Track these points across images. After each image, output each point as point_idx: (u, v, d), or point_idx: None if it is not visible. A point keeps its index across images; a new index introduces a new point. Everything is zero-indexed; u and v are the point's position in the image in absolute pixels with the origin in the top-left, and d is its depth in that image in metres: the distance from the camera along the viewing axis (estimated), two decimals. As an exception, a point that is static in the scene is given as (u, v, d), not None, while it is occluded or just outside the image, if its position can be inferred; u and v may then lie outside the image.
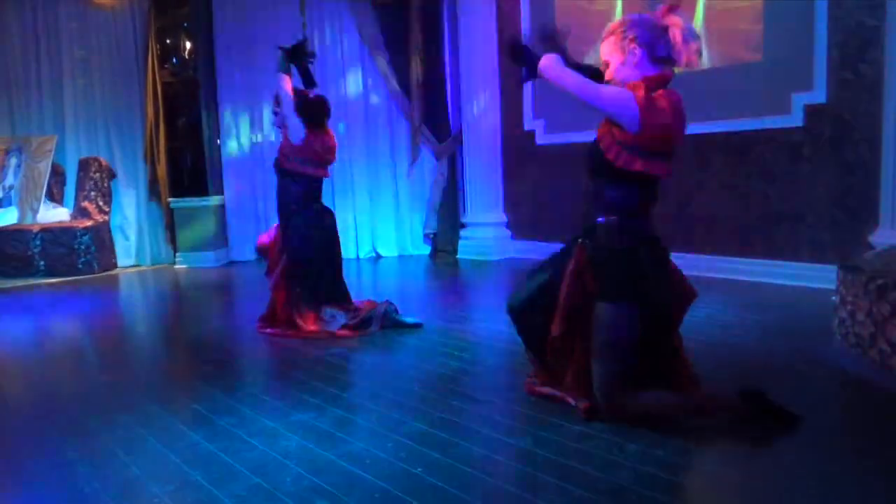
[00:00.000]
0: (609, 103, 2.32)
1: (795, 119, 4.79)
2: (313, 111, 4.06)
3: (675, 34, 2.31)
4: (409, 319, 4.09)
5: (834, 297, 3.31)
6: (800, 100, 4.76)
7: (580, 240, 2.52)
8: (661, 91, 2.33)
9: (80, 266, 6.92)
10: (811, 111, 4.72)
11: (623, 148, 2.33)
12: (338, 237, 4.26)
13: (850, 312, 3.10)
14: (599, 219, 2.45)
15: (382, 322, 4.04)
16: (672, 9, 2.35)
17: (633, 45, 2.37)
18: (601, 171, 2.42)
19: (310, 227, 4.09)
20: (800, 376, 2.99)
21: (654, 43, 2.36)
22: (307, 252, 4.06)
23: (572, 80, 2.37)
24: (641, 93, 2.30)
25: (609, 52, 2.44)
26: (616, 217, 2.43)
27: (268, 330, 4.13)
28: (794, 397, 2.55)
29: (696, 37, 2.33)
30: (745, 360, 3.15)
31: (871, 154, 4.45)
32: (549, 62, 2.42)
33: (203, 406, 2.91)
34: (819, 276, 4.45)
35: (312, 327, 4.01)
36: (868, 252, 4.17)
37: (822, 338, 3.36)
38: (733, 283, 4.97)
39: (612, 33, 2.44)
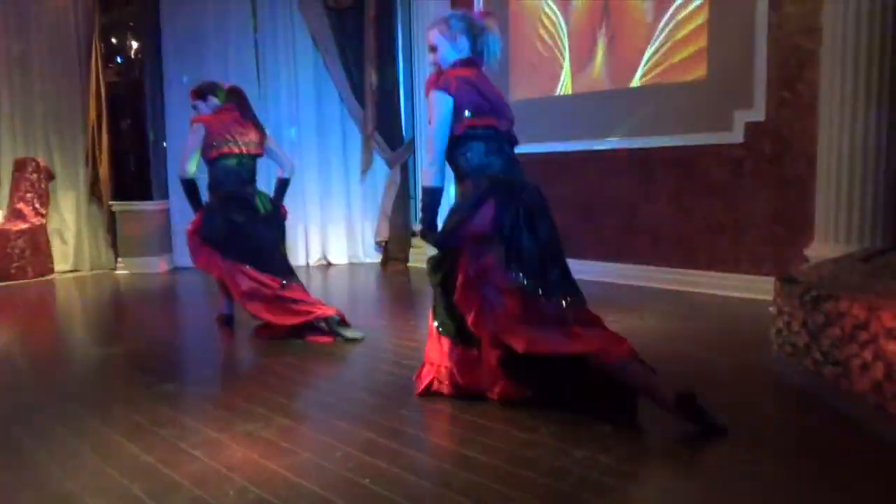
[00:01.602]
0: (437, 119, 2.75)
1: (737, 136, 4.96)
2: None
3: (488, 38, 2.84)
4: (350, 334, 4.02)
5: (771, 308, 3.42)
6: (741, 117, 4.93)
7: None
8: (462, 71, 2.78)
9: (13, 271, 6.62)
10: (752, 128, 4.90)
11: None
12: (257, 220, 4.22)
13: (786, 323, 3.21)
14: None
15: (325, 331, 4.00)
16: (487, 14, 2.92)
17: (459, 35, 2.83)
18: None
19: (212, 213, 4.24)
20: (738, 385, 3.08)
21: (474, 36, 2.85)
22: (210, 239, 4.18)
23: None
24: (441, 80, 2.77)
25: (435, 40, 2.87)
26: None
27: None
28: (732, 405, 2.63)
29: (497, 43, 2.87)
30: (685, 369, 3.23)
31: (807, 170, 4.64)
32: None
33: (143, 417, 2.81)
34: (758, 288, 4.61)
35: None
36: (804, 264, 4.34)
37: (761, 347, 3.47)
38: (676, 294, 5.10)
39: (441, 22, 2.88)
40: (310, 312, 4.00)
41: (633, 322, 4.21)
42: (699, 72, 5.16)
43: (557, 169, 6.01)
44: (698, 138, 5.17)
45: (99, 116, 7.07)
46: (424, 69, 6.85)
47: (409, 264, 7.11)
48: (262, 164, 4.47)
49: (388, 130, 7.17)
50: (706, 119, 5.12)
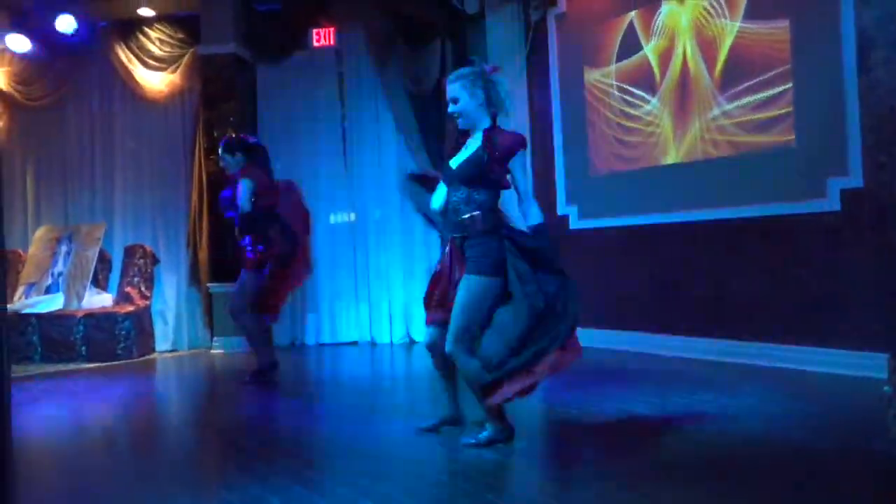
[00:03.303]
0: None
1: (833, 204, 4.75)
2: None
3: (494, 87, 3.22)
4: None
5: (886, 388, 3.16)
6: (836, 184, 4.73)
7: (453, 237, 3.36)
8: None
9: (120, 352, 7.00)
10: (848, 196, 4.68)
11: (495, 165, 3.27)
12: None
13: (903, 403, 2.96)
14: (465, 215, 3.27)
15: None
16: (495, 70, 3.27)
17: (478, 91, 3.23)
18: (474, 181, 3.29)
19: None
20: (855, 475, 2.82)
21: (490, 91, 3.23)
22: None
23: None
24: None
25: (457, 92, 3.25)
26: (480, 212, 3.29)
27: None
28: (849, 497, 2.41)
29: (508, 95, 3.26)
30: (791, 455, 3.00)
31: (914, 237, 4.35)
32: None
33: (234, 495, 2.86)
34: (867, 365, 4.28)
35: None
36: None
37: (876, 431, 3.19)
38: (775, 372, 4.80)
39: (461, 77, 3.24)
40: None
41: (727, 402, 3.97)
42: (787, 138, 5.03)
43: (640, 242, 5.91)
44: (789, 207, 4.98)
45: (200, 204, 7.59)
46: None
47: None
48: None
49: (469, 209, 7.29)
50: (797, 187, 4.94)
